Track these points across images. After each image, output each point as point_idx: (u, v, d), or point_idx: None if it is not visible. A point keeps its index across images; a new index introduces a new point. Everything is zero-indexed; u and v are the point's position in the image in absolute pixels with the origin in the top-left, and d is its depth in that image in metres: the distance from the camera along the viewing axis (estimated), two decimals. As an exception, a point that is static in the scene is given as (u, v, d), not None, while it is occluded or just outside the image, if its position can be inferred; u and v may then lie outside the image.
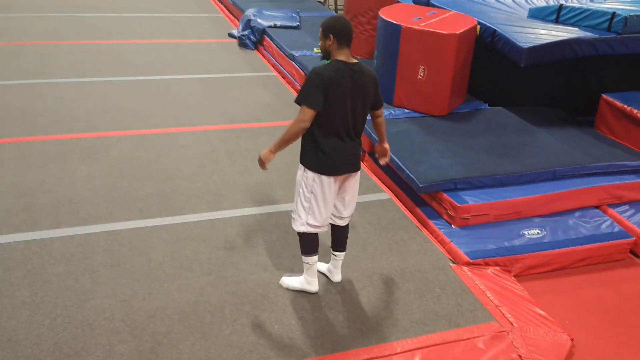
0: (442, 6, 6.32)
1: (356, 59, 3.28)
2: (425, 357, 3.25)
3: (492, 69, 6.34)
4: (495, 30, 5.57)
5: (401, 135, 5.20)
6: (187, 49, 8.50)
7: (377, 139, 3.65)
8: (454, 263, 4.10)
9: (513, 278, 4.11)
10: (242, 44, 8.79)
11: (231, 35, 9.27)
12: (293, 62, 7.34)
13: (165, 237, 4.12)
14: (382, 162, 3.67)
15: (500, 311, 3.64)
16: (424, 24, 5.54)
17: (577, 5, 5.89)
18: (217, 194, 4.72)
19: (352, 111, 3.23)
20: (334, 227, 3.63)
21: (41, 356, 3.07)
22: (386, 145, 3.63)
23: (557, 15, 5.96)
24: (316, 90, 3.09)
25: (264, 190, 4.82)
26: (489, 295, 3.78)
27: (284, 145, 3.26)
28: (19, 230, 4.09)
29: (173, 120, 6.07)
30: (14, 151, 5.20)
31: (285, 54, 7.62)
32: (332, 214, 3.53)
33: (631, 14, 5.49)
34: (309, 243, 3.50)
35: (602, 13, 5.61)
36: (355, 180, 3.47)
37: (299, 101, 3.15)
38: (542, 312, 3.73)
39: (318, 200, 3.33)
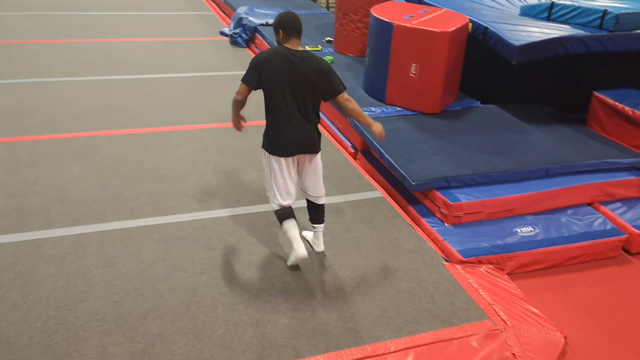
0: (433, 4, 6.32)
1: (310, 50, 3.62)
2: (419, 356, 3.25)
3: (484, 66, 6.35)
4: (487, 28, 5.57)
5: (393, 134, 5.19)
6: (178, 47, 8.47)
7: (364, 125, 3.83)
8: (447, 261, 4.10)
9: (506, 276, 4.11)
10: (234, 42, 8.77)
11: (223, 33, 9.24)
12: (285, 61, 7.31)
13: (158, 237, 4.10)
14: (378, 139, 3.80)
15: (494, 309, 3.64)
16: (415, 21, 5.53)
17: (568, 2, 5.90)
18: (209, 193, 4.70)
19: (293, 93, 3.51)
20: (309, 203, 3.90)
21: (33, 358, 3.04)
22: (375, 128, 3.70)
23: (548, 13, 5.98)
24: (251, 69, 3.53)
25: (256, 189, 4.80)
26: (482, 293, 3.78)
27: (233, 113, 3.79)
28: (9, 232, 4.06)
29: (164, 119, 6.04)
30: (4, 151, 5.15)
31: (277, 52, 7.59)
32: (305, 191, 3.84)
33: (622, 11, 5.51)
34: (279, 214, 3.78)
35: (593, 10, 5.63)
36: (312, 164, 3.74)
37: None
38: (535, 310, 3.73)
39: (275, 179, 3.68)
